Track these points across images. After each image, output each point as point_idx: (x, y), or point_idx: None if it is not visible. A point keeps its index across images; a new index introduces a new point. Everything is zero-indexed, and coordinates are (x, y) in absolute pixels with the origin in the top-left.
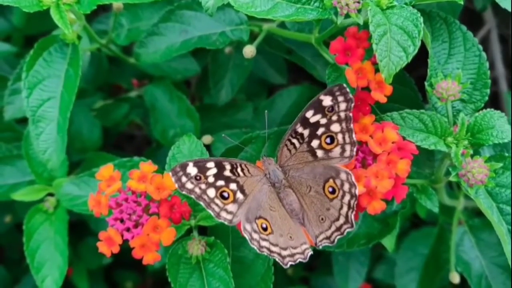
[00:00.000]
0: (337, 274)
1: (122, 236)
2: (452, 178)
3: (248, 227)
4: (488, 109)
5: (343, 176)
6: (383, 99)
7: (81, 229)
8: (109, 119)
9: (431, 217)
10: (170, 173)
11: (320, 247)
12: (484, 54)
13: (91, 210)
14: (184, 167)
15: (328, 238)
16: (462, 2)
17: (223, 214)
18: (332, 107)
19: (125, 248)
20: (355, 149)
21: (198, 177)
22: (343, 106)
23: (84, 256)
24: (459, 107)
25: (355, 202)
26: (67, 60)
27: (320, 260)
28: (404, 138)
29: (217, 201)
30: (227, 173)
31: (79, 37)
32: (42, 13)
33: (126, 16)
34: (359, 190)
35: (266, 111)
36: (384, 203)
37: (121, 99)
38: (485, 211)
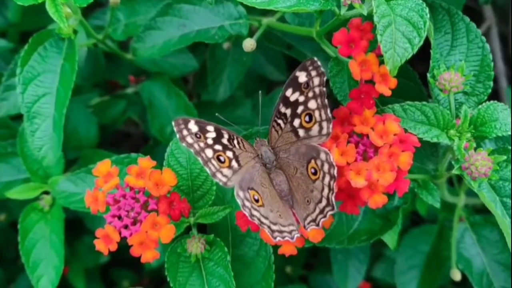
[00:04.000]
0: (336, 272)
1: (120, 233)
2: (455, 171)
3: (241, 194)
4: (492, 101)
5: (322, 156)
6: (388, 92)
7: (77, 227)
8: (105, 116)
9: (431, 215)
10: (173, 123)
11: (309, 229)
12: (487, 46)
13: (88, 207)
14: (186, 122)
15: (314, 220)
16: None
17: (219, 175)
18: (307, 83)
19: (122, 246)
20: (331, 126)
21: (198, 135)
22: (316, 81)
23: (81, 254)
24: (462, 99)
25: (334, 183)
26: (63, 55)
27: (319, 259)
28: (406, 131)
29: (214, 162)
30: (224, 141)
31: (75, 32)
32: (38, 8)
33: (123, 11)
34: (360, 183)
35: (260, 91)
36: (386, 196)
37: (118, 95)
38: (489, 205)
